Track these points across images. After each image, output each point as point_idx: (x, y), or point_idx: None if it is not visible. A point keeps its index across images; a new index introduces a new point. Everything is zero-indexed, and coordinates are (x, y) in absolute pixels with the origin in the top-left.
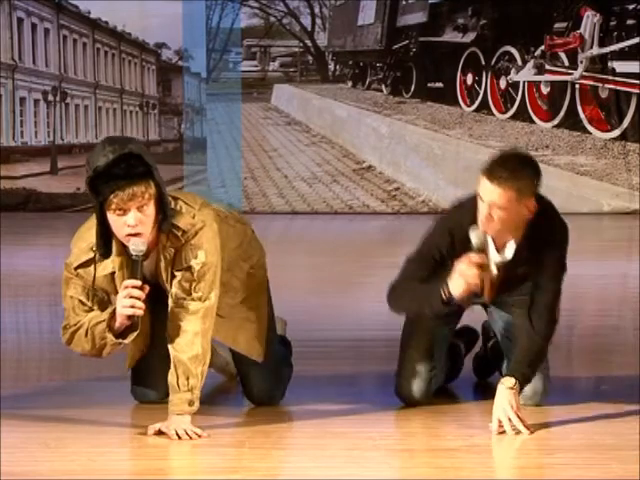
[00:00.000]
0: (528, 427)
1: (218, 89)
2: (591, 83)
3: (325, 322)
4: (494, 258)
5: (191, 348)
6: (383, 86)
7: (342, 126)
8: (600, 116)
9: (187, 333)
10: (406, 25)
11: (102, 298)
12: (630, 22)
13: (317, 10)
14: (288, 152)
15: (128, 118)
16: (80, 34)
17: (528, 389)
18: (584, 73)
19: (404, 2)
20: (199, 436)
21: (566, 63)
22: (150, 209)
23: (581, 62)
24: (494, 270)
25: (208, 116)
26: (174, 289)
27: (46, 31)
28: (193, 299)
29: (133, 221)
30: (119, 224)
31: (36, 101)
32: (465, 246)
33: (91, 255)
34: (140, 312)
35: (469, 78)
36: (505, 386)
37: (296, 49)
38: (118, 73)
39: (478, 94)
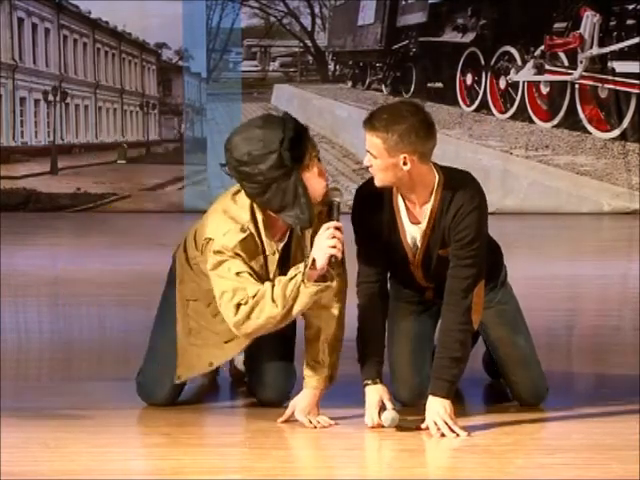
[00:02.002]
0: (463, 429)
1: (218, 89)
2: (591, 83)
3: None
4: (411, 232)
5: (340, 326)
6: (383, 86)
7: (342, 126)
8: (600, 116)
9: (331, 313)
10: (406, 25)
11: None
12: (630, 22)
13: (317, 10)
14: None
15: (128, 118)
16: (80, 34)
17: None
18: (584, 73)
19: (404, 2)
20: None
21: (566, 63)
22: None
23: (581, 62)
24: (417, 244)
25: (208, 116)
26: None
27: (46, 31)
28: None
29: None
30: (317, 180)
31: (36, 101)
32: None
33: (242, 235)
34: (340, 254)
35: (469, 78)
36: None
37: (296, 49)
38: (118, 73)
39: (478, 94)
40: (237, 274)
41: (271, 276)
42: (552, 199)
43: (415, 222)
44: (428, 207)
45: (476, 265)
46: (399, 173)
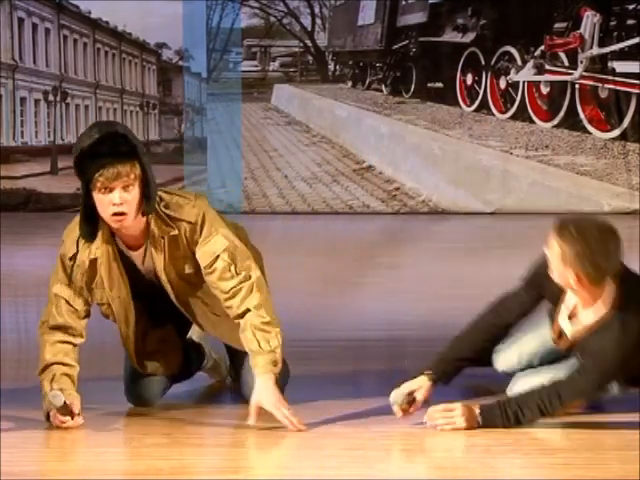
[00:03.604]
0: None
1: (218, 89)
2: (591, 83)
3: (325, 322)
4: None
5: (262, 316)
6: (383, 86)
7: (342, 126)
8: (600, 116)
9: (251, 311)
10: (406, 25)
11: (86, 299)
12: (630, 22)
13: (317, 10)
14: (288, 152)
15: (128, 118)
16: (81, 34)
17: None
18: (584, 73)
19: (404, 2)
20: (295, 425)
21: (566, 63)
22: (135, 190)
23: (581, 62)
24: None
25: (208, 116)
26: (218, 284)
27: (47, 31)
28: (240, 281)
29: (118, 199)
30: (104, 203)
31: (37, 101)
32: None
33: (79, 244)
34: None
35: (469, 78)
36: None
37: (296, 49)
38: (118, 73)
39: (478, 94)
40: (56, 295)
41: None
42: (552, 199)
43: (571, 316)
44: (590, 315)
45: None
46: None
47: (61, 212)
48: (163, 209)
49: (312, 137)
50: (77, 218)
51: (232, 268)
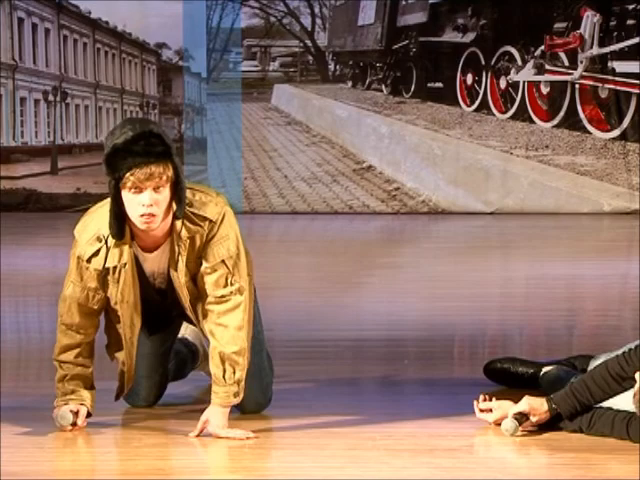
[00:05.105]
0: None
1: (218, 89)
2: (591, 83)
3: (325, 322)
4: None
5: (235, 342)
6: (383, 86)
7: (342, 126)
8: (600, 116)
9: (229, 328)
10: (406, 25)
11: (102, 298)
12: (630, 22)
13: (317, 10)
14: (288, 152)
15: None
16: (81, 34)
17: None
18: (584, 73)
19: (404, 2)
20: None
21: (566, 63)
22: (166, 192)
23: (581, 62)
24: None
25: (208, 116)
26: (209, 287)
27: (47, 31)
28: (232, 292)
29: (148, 200)
30: (134, 203)
31: (36, 101)
32: None
33: (98, 245)
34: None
35: (469, 78)
36: None
37: (296, 49)
38: (118, 73)
39: (478, 94)
40: (70, 297)
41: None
42: (552, 199)
43: None
44: None
45: None
46: None
47: (61, 212)
48: (188, 208)
49: (312, 137)
50: (88, 217)
51: (229, 277)
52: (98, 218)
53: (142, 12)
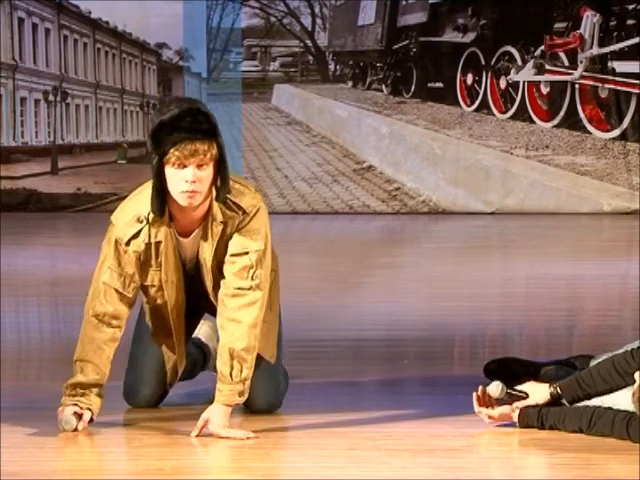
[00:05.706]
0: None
1: (218, 89)
2: (591, 83)
3: (325, 322)
4: None
5: (246, 339)
6: (383, 86)
7: (342, 126)
8: (600, 116)
9: (242, 324)
10: (406, 25)
11: (137, 286)
12: (630, 22)
13: (317, 10)
14: (288, 152)
15: (129, 118)
16: (81, 34)
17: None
18: (584, 73)
19: (404, 2)
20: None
21: (566, 63)
22: (209, 170)
23: (581, 62)
24: None
25: None
26: (229, 277)
27: (47, 31)
28: (251, 288)
29: (191, 176)
30: (177, 179)
31: (37, 101)
32: None
33: (138, 226)
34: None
35: (469, 78)
36: None
37: (296, 49)
38: (119, 73)
39: (478, 94)
40: (104, 283)
41: (163, 269)
42: (552, 199)
43: None
44: None
45: None
46: None
47: (61, 212)
48: (227, 194)
49: (312, 137)
50: (126, 202)
51: (251, 271)
52: (136, 201)
53: (142, 12)
